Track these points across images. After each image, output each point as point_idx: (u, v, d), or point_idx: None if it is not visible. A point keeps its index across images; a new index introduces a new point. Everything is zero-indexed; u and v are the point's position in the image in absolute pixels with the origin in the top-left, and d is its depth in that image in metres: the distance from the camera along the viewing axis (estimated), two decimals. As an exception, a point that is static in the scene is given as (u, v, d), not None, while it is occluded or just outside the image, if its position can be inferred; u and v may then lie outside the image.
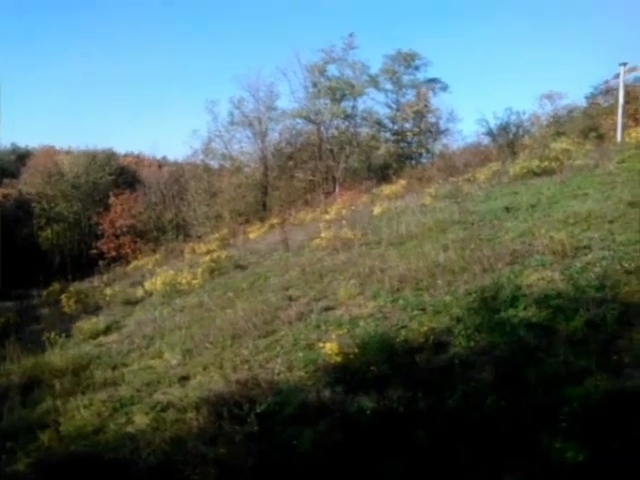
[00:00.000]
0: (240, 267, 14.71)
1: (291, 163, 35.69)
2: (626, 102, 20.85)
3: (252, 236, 22.39)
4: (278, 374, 6.64)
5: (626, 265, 6.79)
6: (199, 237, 29.08)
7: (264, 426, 5.33)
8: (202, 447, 5.33)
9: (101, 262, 25.80)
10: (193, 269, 15.53)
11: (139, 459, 5.44)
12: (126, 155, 56.78)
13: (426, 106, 36.53)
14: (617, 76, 21.57)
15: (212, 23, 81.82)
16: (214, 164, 37.53)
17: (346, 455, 4.64)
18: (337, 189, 31.52)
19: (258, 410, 5.51)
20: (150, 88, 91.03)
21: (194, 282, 13.90)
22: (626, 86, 21.11)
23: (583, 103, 31.39)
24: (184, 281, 14.00)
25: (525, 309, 6.50)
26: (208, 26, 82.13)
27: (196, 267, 15.65)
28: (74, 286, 18.71)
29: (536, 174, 15.27)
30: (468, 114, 66.27)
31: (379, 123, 37.48)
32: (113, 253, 32.52)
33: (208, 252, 19.03)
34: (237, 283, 12.70)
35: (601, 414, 4.18)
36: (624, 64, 20.64)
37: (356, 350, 6.31)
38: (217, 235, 24.77)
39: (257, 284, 12.03)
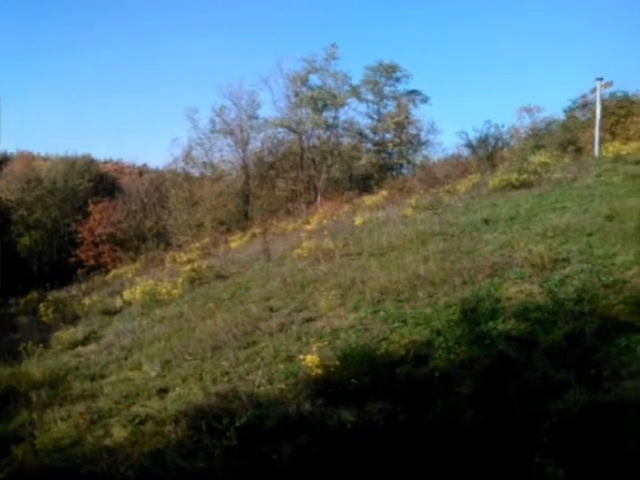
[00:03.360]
0: (221, 277, 14.63)
1: (273, 172, 35.69)
2: (603, 116, 21.20)
3: (233, 245, 22.30)
4: (258, 386, 6.60)
5: (604, 279, 6.89)
6: (180, 246, 28.87)
7: (243, 440, 5.28)
8: (180, 461, 5.28)
9: (80, 270, 25.48)
10: (173, 278, 15.41)
11: (117, 473, 5.34)
12: (106, 162, 56.25)
13: (407, 117, 36.80)
14: (594, 90, 21.95)
15: (193, 31, 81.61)
16: (195, 172, 37.44)
17: (326, 469, 4.62)
18: (319, 199, 31.57)
19: (237, 424, 5.46)
20: (130, 95, 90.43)
21: (174, 292, 13.78)
22: (603, 100, 21.47)
23: (562, 116, 31.84)
24: (164, 291, 13.87)
25: (504, 322, 6.55)
26: (189, 33, 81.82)
27: (176, 276, 15.54)
28: (52, 295, 18.45)
29: (515, 187, 15.41)
30: (448, 126, 66.78)
31: (360, 133, 37.66)
32: (92, 262, 32.14)
33: (189, 261, 18.92)
34: (218, 293, 12.63)
35: (580, 428, 4.22)
36: (600, 79, 21.01)
37: (337, 362, 6.29)
38: (198, 244, 24.62)
39: (238, 294, 11.98)
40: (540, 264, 7.88)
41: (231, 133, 35.38)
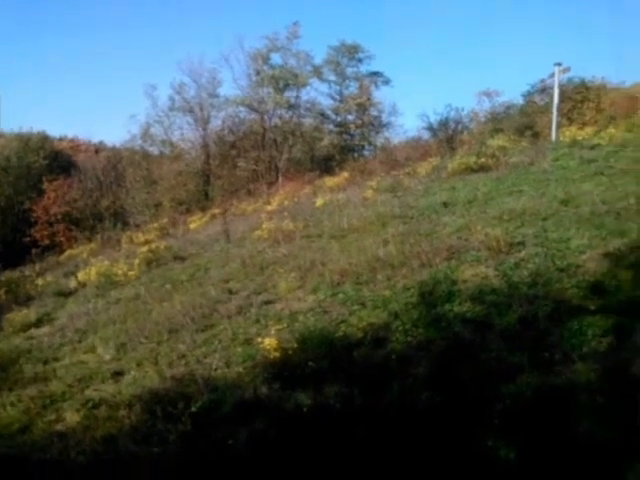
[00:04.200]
0: (179, 258, 14.44)
1: (234, 152, 35.18)
2: (560, 101, 21.52)
3: (193, 226, 22.00)
4: (215, 370, 6.53)
5: (558, 263, 7.01)
6: (137, 226, 28.27)
7: (199, 425, 5.23)
8: (134, 446, 5.19)
9: (34, 250, 24.80)
10: (130, 259, 15.15)
11: (68, 459, 5.24)
12: (61, 139, 54.48)
13: (369, 99, 36.75)
14: (552, 75, 22.24)
15: (151, 6, 79.29)
16: (154, 150, 36.64)
17: (282, 453, 4.61)
18: (280, 179, 31.33)
19: (193, 408, 5.39)
20: (87, 69, 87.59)
21: (130, 273, 13.54)
22: (560, 86, 21.78)
23: (520, 101, 32.20)
24: (120, 272, 13.61)
25: (460, 304, 6.62)
26: (147, 9, 79.54)
27: (133, 257, 15.28)
28: (5, 275, 17.95)
29: (473, 170, 15.57)
30: (409, 108, 66.82)
31: (322, 114, 37.46)
32: (47, 241, 31.20)
33: (146, 242, 18.60)
34: (176, 275, 12.47)
35: (532, 411, 4.30)
36: (559, 64, 21.28)
37: (295, 345, 6.27)
38: (156, 224, 24.18)
39: (196, 276, 11.84)
40: (496, 247, 7.98)
41: (191, 111, 34.71)
